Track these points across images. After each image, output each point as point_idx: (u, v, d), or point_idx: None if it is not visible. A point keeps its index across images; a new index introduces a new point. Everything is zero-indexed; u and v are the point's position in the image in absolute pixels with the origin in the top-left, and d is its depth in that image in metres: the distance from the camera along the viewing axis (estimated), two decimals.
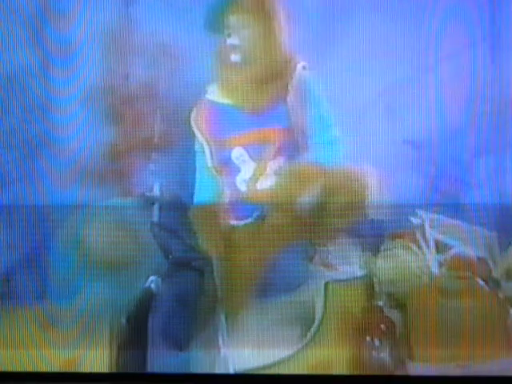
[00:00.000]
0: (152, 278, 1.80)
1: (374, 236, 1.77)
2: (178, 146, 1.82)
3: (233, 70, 1.74)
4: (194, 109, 1.80)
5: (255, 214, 1.78)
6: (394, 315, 1.69)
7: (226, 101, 1.78)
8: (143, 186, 1.83)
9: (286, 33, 1.73)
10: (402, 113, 1.74)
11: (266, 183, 1.78)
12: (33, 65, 1.79)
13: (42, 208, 1.80)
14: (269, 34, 1.72)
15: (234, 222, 1.79)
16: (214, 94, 1.78)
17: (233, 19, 1.71)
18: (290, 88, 1.75)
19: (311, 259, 1.78)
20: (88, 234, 1.79)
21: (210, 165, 1.81)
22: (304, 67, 1.76)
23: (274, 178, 1.77)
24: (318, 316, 1.71)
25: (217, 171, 1.80)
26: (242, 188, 1.79)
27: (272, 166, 1.77)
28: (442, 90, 1.74)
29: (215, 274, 1.78)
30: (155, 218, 1.83)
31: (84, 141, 1.81)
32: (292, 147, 1.77)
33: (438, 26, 1.72)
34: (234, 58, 1.72)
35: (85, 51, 1.78)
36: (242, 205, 1.79)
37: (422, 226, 1.76)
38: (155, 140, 1.83)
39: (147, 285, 1.80)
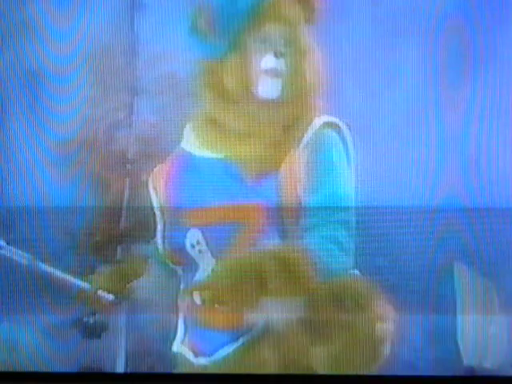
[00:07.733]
0: None
1: None
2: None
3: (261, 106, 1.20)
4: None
5: (223, 351, 1.18)
6: None
7: (205, 151, 1.21)
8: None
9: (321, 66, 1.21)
10: None
11: None
12: None
13: None
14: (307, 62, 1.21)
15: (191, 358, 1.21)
16: (190, 141, 1.22)
17: (274, 29, 1.19)
18: (298, 145, 1.20)
19: None
20: None
21: (161, 250, 1.23)
22: (330, 124, 1.20)
23: None
24: None
25: (172, 261, 1.24)
26: (197, 300, 1.19)
27: None
28: None
29: None
30: None
31: None
32: (274, 238, 1.18)
33: None
34: (271, 88, 1.19)
35: None
36: (201, 330, 1.20)
37: None
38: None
39: None
